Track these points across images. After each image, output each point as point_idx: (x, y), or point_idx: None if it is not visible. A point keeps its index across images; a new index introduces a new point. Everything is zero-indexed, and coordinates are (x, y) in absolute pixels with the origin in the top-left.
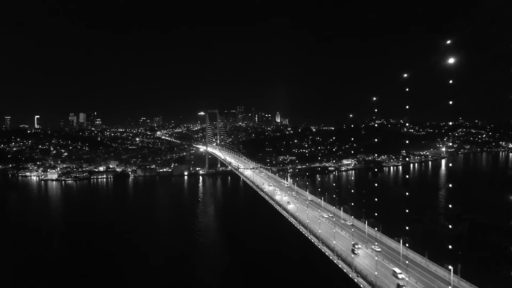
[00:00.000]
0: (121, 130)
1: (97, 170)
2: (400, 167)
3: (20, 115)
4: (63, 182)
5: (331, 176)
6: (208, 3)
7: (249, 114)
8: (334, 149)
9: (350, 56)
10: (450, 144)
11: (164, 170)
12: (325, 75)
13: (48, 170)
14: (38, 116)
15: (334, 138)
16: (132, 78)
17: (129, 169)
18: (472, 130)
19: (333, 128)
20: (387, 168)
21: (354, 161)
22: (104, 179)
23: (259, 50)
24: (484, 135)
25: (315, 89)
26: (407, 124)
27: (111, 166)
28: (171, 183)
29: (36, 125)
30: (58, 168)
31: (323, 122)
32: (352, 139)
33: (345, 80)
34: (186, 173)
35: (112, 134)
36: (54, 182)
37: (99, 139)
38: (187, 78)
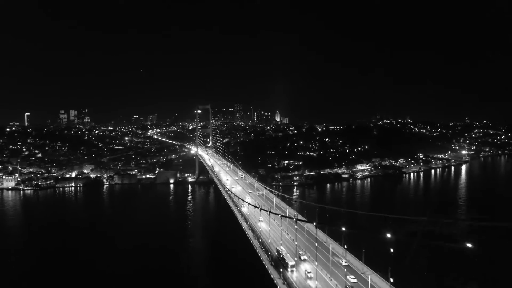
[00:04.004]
0: (110, 128)
1: (68, 176)
2: (422, 174)
3: (12, 112)
4: (21, 191)
5: (346, 184)
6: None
7: (248, 113)
8: (346, 152)
9: (348, 56)
10: (465, 145)
11: (147, 176)
12: (325, 75)
13: (4, 176)
14: (28, 114)
15: (343, 139)
16: (131, 77)
17: (104, 175)
18: (490, 130)
19: (341, 128)
20: (407, 175)
21: (370, 166)
22: (73, 188)
23: (258, 49)
24: (503, 136)
25: (315, 88)
26: (416, 124)
27: (85, 171)
28: (153, 194)
29: (26, 123)
30: (17, 175)
31: (325, 121)
32: (364, 140)
33: (345, 78)
34: (172, 180)
35: (101, 133)
36: (10, 191)
37: (86, 138)
38: (186, 77)
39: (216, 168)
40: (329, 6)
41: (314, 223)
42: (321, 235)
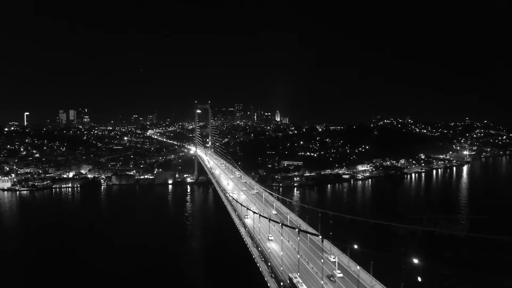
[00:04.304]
0: (109, 128)
1: (65, 176)
2: (423, 174)
3: (12, 112)
4: (17, 192)
5: (347, 185)
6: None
7: (248, 113)
8: (347, 152)
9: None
10: (466, 146)
11: (145, 177)
12: (325, 76)
13: (0, 177)
14: (27, 113)
15: (344, 139)
16: (131, 77)
17: (102, 176)
18: (491, 131)
19: (341, 128)
20: (408, 176)
21: (371, 167)
22: (69, 189)
23: (258, 49)
24: (504, 137)
25: (315, 88)
26: (417, 124)
27: (82, 172)
28: (151, 195)
29: (25, 122)
30: (13, 175)
31: (325, 122)
32: (365, 141)
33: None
34: (170, 181)
35: (100, 133)
36: (5, 192)
37: (84, 137)
38: (186, 78)
39: (217, 171)
40: (329, 6)
41: (320, 236)
42: (324, 243)
